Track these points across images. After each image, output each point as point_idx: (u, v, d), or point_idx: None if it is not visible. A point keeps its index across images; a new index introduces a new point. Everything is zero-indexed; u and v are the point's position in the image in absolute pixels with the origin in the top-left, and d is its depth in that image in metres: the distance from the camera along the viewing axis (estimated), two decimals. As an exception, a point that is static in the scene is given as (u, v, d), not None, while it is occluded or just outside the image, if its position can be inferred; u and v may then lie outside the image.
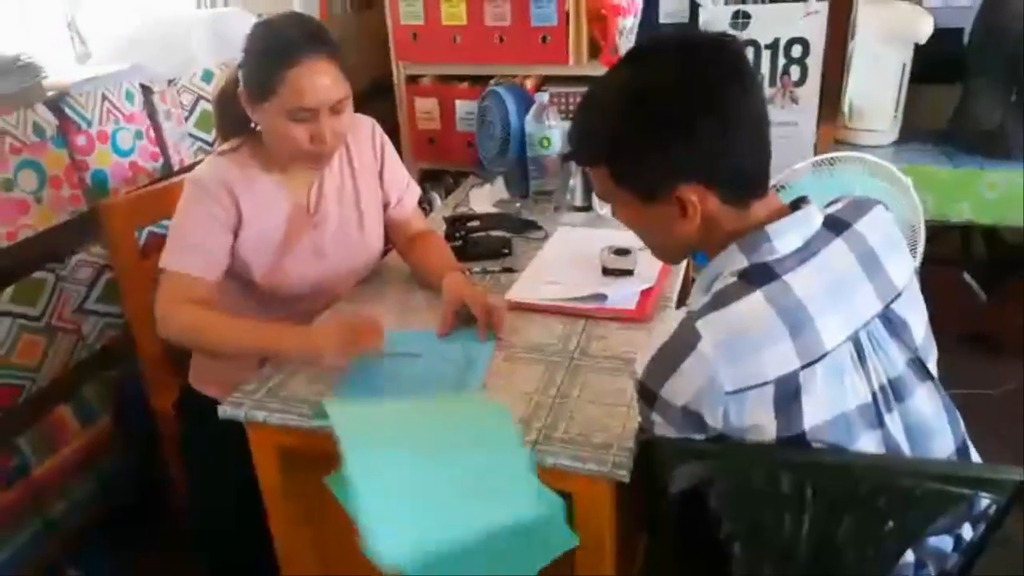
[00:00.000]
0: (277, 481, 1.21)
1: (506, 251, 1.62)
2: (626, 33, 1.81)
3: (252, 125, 1.35)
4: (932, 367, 1.01)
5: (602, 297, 1.35)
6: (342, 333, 1.20)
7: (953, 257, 2.82)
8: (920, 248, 1.81)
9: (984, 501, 0.92)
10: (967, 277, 2.72)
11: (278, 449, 1.19)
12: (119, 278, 1.71)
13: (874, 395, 0.92)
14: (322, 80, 1.26)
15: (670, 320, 0.91)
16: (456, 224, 1.66)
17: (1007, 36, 2.13)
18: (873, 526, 0.92)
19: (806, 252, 0.92)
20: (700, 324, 0.88)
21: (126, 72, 1.87)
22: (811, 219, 0.94)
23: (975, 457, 1.03)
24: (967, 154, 2.22)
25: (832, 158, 1.83)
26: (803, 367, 0.87)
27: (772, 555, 0.99)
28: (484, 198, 1.92)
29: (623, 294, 1.36)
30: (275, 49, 1.26)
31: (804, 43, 2.06)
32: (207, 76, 2.10)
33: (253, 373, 1.42)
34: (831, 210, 0.99)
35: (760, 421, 0.87)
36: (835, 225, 0.96)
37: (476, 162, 2.32)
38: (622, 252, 1.48)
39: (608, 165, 0.97)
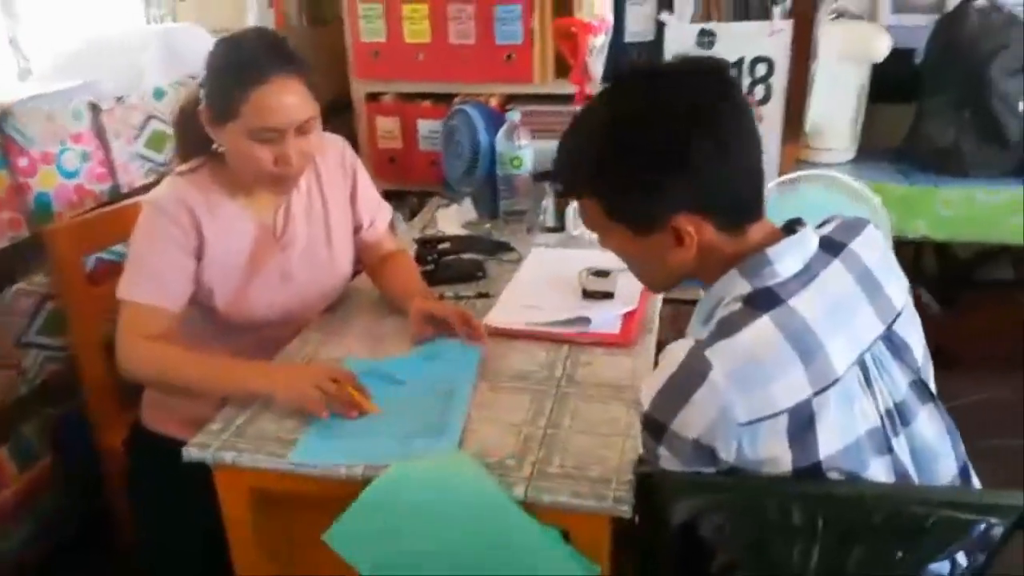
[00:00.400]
0: (247, 524, 1.13)
1: (479, 274, 1.56)
2: (596, 52, 1.79)
3: (214, 146, 1.27)
4: (931, 387, 0.99)
5: (585, 321, 1.31)
6: (315, 376, 1.12)
7: (906, 273, 2.89)
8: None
9: (985, 526, 0.91)
10: (924, 292, 2.77)
11: (249, 491, 1.11)
12: (65, 308, 1.61)
13: (881, 420, 0.90)
14: (288, 99, 1.19)
15: (677, 350, 0.87)
16: (427, 246, 1.60)
17: (961, 56, 2.18)
18: (884, 555, 0.89)
19: (806, 275, 0.89)
20: (709, 353, 0.84)
21: (74, 89, 1.76)
22: (809, 241, 0.92)
23: (975, 478, 1.02)
24: (922, 172, 2.26)
25: (799, 176, 1.84)
26: (815, 394, 0.84)
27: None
28: (452, 219, 1.87)
29: (605, 318, 1.32)
30: (238, 67, 1.19)
31: (769, 62, 2.07)
32: (158, 94, 2.00)
33: (211, 410, 1.35)
34: (824, 231, 0.97)
35: (775, 453, 0.83)
36: (831, 246, 0.94)
37: (440, 182, 2.27)
38: (601, 274, 1.44)
39: (599, 197, 0.93)
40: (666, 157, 0.87)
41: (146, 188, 1.95)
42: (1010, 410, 2.17)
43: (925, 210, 2.19)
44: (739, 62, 2.09)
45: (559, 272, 1.51)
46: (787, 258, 0.90)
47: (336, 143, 1.43)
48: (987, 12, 2.20)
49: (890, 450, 0.90)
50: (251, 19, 2.50)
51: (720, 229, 0.91)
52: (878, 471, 0.89)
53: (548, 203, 1.71)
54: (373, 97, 2.48)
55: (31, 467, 1.66)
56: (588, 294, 1.40)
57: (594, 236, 1.66)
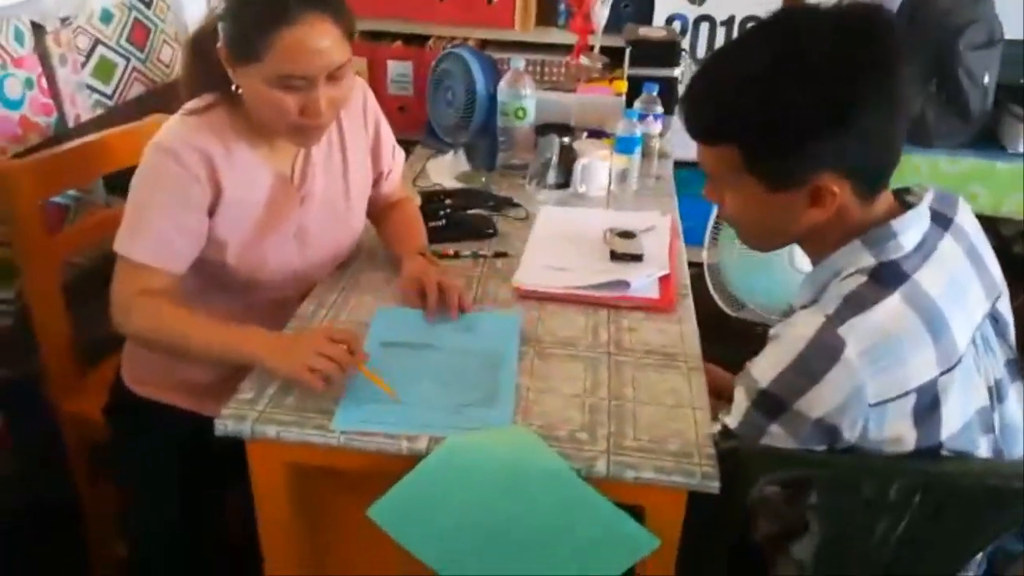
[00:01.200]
0: (281, 501, 1.03)
1: (491, 231, 1.48)
2: (601, 1, 1.70)
3: (233, 87, 1.12)
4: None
5: (624, 284, 1.26)
6: (318, 344, 1.00)
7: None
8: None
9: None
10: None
11: (284, 466, 1.01)
12: (18, 258, 1.42)
13: (988, 398, 0.90)
14: (320, 42, 1.04)
15: (801, 326, 0.84)
16: (434, 201, 1.50)
17: (930, 29, 2.23)
18: (970, 529, 0.90)
19: (924, 249, 0.88)
20: (843, 330, 0.81)
21: (17, 6, 1.53)
22: (926, 213, 0.90)
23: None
24: (888, 140, 2.32)
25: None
26: (942, 374, 0.83)
27: (850, 558, 0.96)
28: (445, 170, 1.76)
29: (643, 281, 1.27)
30: (267, 3, 1.03)
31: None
32: (105, 16, 1.78)
33: (204, 374, 1.23)
34: (927, 201, 0.95)
35: (900, 433, 0.82)
36: (939, 219, 0.92)
37: (414, 128, 2.14)
38: (627, 235, 1.40)
39: (744, 146, 0.86)
40: (834, 110, 0.81)
41: (94, 123, 1.75)
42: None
43: (894, 177, 2.24)
44: (729, 20, 2.06)
45: (578, 232, 1.45)
46: (911, 231, 0.88)
47: (358, 86, 1.28)
48: (956, -14, 2.26)
49: (994, 429, 0.90)
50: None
51: (856, 194, 0.87)
52: (984, 450, 0.89)
53: (554, 158, 1.64)
54: (337, 34, 2.30)
55: (-20, 434, 1.48)
56: (617, 256, 1.35)
57: (600, 194, 1.64)
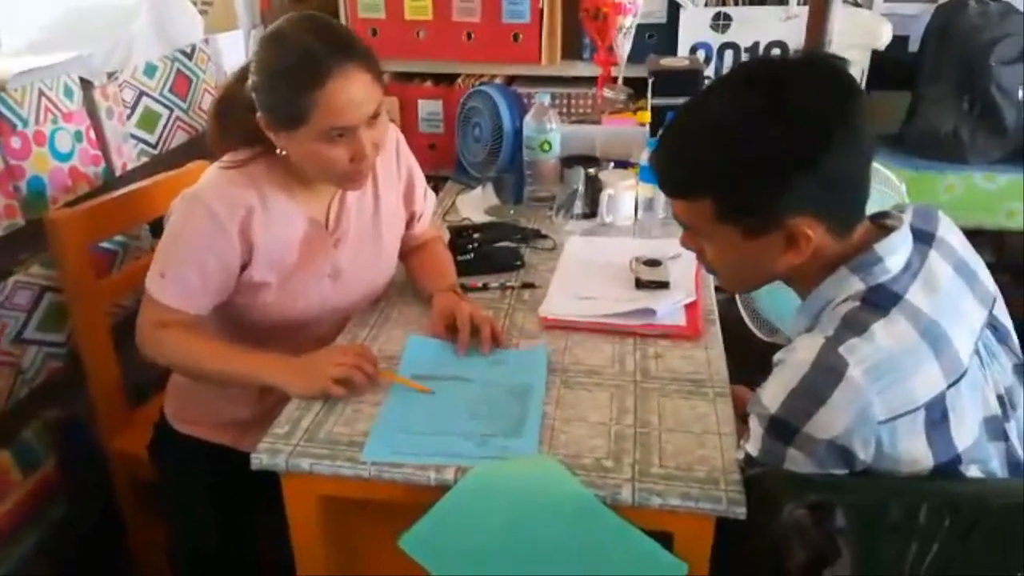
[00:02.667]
0: (315, 533, 1.06)
1: (518, 263, 1.51)
2: (625, 31, 1.74)
3: (278, 151, 1.18)
4: None
5: (650, 313, 1.27)
6: (333, 356, 1.10)
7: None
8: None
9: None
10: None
11: (318, 499, 1.04)
12: (69, 302, 1.49)
13: (997, 407, 0.90)
14: (355, 93, 1.09)
15: (802, 350, 0.85)
16: (463, 236, 1.54)
17: (960, 45, 2.22)
18: (1004, 549, 0.89)
19: (912, 268, 0.89)
20: (843, 350, 0.82)
21: (65, 64, 1.62)
22: (907, 235, 0.91)
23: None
24: (921, 158, 2.30)
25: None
26: (949, 387, 0.83)
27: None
28: (474, 205, 1.80)
29: (669, 309, 1.28)
30: (297, 70, 1.07)
31: (783, 47, 2.06)
32: (150, 70, 1.87)
33: (245, 410, 1.28)
34: (907, 222, 0.96)
35: (914, 449, 0.82)
36: (921, 236, 0.93)
37: (446, 165, 2.20)
38: (653, 263, 1.41)
39: (717, 197, 0.89)
40: (801, 157, 0.84)
41: (139, 171, 1.83)
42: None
43: (929, 195, 2.22)
44: (754, 46, 2.07)
45: (604, 261, 1.47)
46: (896, 254, 0.90)
47: (391, 132, 1.33)
48: (985, 2, 2.24)
49: (1006, 437, 0.90)
50: (238, -4, 2.36)
51: (831, 232, 0.90)
52: (995, 459, 0.89)
53: (580, 188, 1.66)
54: (369, 76, 2.37)
55: (34, 474, 1.53)
56: (642, 284, 1.37)
57: (627, 223, 1.66)
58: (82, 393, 1.55)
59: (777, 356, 0.88)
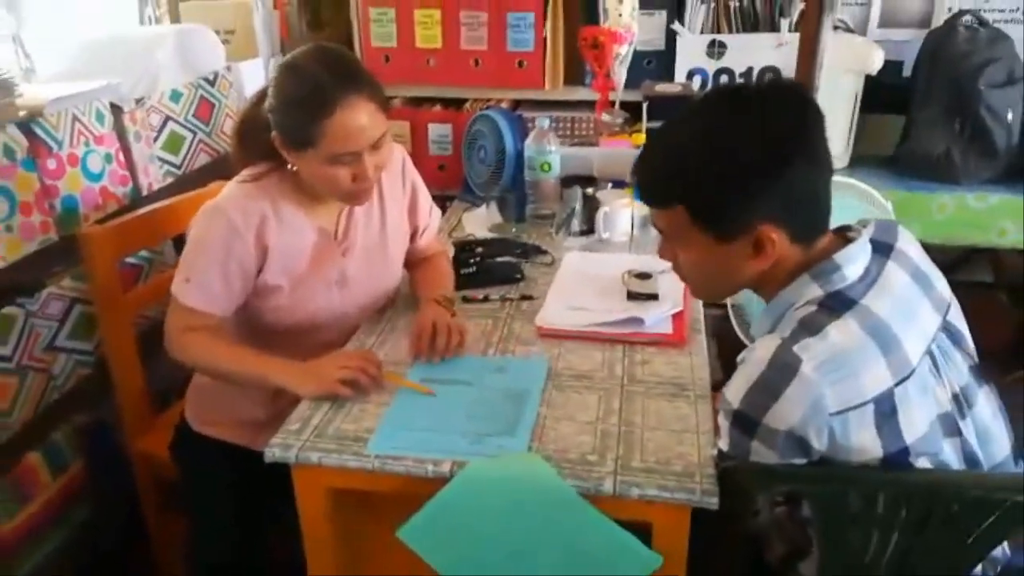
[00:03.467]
0: (323, 523, 1.14)
1: (518, 276, 1.60)
2: (620, 60, 1.84)
3: (290, 167, 1.29)
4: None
5: (639, 321, 1.35)
6: (339, 360, 1.20)
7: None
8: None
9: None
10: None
11: (326, 491, 1.12)
12: (99, 313, 1.59)
13: (950, 404, 0.97)
14: (360, 121, 1.21)
15: (761, 350, 0.93)
16: (466, 250, 1.63)
17: (951, 70, 2.29)
18: (956, 542, 0.95)
19: (869, 277, 0.97)
20: (798, 348, 0.90)
21: (98, 90, 1.74)
22: (866, 245, 0.99)
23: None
24: (915, 179, 2.37)
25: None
26: (896, 384, 0.90)
27: (850, 573, 1.01)
28: (479, 222, 1.89)
29: (657, 318, 1.37)
30: (307, 99, 1.19)
31: (776, 72, 2.15)
32: (175, 96, 1.99)
33: (260, 411, 1.36)
34: (867, 234, 1.03)
35: (865, 440, 0.90)
36: (880, 248, 1.01)
37: (454, 185, 2.30)
38: (644, 276, 1.49)
39: (690, 205, 0.98)
40: (764, 168, 0.92)
41: (164, 191, 1.95)
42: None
43: (921, 214, 2.29)
44: (748, 72, 2.17)
45: (598, 274, 1.56)
46: (854, 263, 0.97)
47: (397, 152, 1.44)
48: (974, 28, 2.32)
49: (959, 433, 0.97)
50: (256, 20, 2.49)
51: (793, 241, 0.98)
52: (949, 453, 0.96)
53: (578, 206, 1.75)
54: (382, 101, 2.49)
55: (62, 475, 1.63)
56: (633, 296, 1.45)
57: (623, 239, 1.75)
58: (109, 398, 1.65)
59: (740, 356, 0.96)
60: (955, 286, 2.97)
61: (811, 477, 0.94)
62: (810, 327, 0.92)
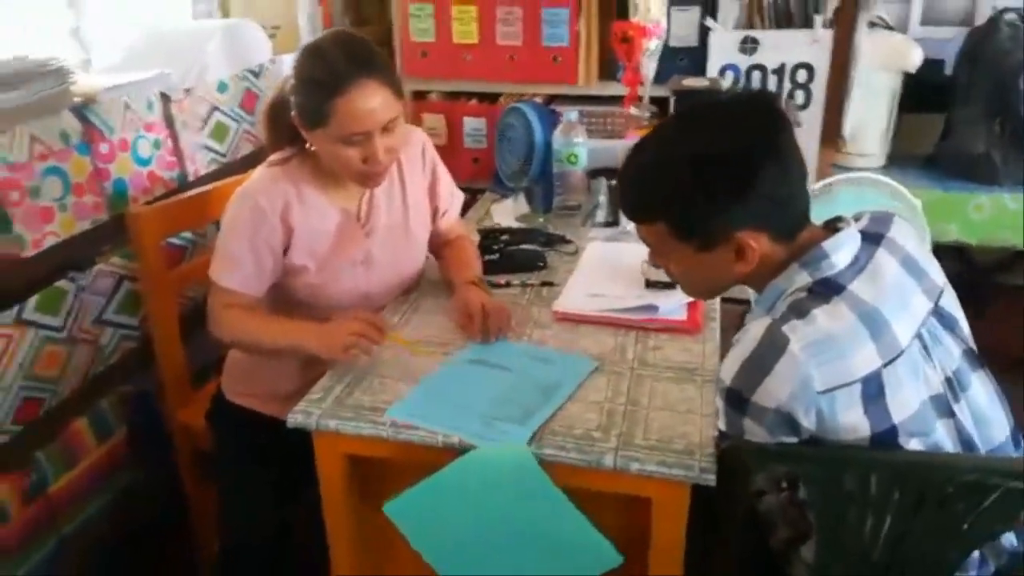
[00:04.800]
0: (340, 487, 1.21)
1: (541, 264, 1.64)
2: (649, 55, 1.86)
3: (307, 145, 1.36)
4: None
5: (653, 308, 1.38)
6: (347, 325, 1.25)
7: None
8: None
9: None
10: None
11: (344, 457, 1.19)
12: (145, 289, 1.69)
13: (943, 387, 0.99)
14: (371, 103, 1.26)
15: (753, 330, 0.96)
16: (490, 237, 1.68)
17: (992, 68, 2.26)
18: (951, 525, 0.97)
19: (858, 264, 0.99)
20: (787, 328, 0.93)
21: (147, 80, 1.84)
22: (855, 235, 1.02)
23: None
24: (953, 179, 2.34)
25: (847, 178, 1.92)
26: (884, 365, 0.93)
27: (847, 556, 1.03)
28: (506, 212, 1.94)
29: (672, 305, 1.39)
30: (322, 79, 1.26)
31: (809, 69, 2.15)
32: (222, 87, 2.08)
33: (291, 384, 1.43)
34: (860, 225, 1.06)
35: (853, 419, 0.92)
36: (871, 237, 1.03)
37: (483, 178, 2.35)
38: (662, 266, 1.52)
39: (670, 219, 1.02)
40: (735, 182, 0.97)
41: (209, 177, 2.04)
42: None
43: (958, 215, 2.27)
44: (780, 68, 2.17)
45: (618, 263, 1.59)
46: (841, 250, 1.00)
47: (416, 136, 1.51)
48: (1016, 26, 2.28)
49: (952, 414, 0.99)
50: (301, 15, 2.58)
51: (775, 240, 1.01)
52: (942, 434, 0.98)
53: (603, 198, 1.79)
54: (419, 95, 2.56)
55: (107, 442, 1.73)
56: (651, 284, 1.48)
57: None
58: (151, 371, 1.74)
59: (734, 338, 0.99)
60: (996, 290, 2.93)
61: (804, 456, 0.96)
62: (798, 311, 0.95)
